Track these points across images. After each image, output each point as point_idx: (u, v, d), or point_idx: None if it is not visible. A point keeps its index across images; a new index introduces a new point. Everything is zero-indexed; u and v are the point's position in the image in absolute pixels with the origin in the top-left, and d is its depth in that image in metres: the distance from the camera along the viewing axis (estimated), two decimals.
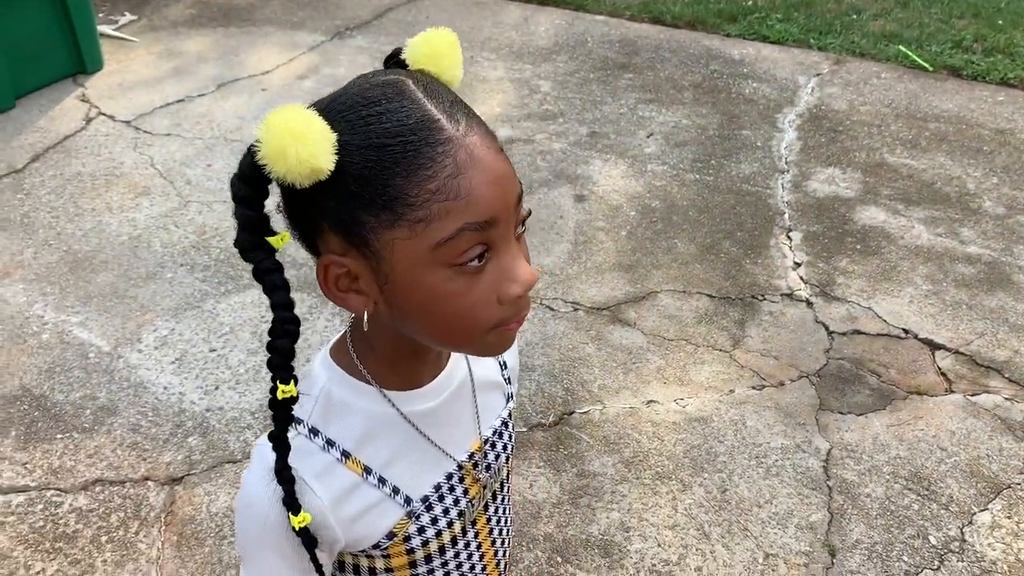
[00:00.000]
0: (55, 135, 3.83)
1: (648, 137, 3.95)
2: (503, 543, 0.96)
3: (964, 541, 2.17)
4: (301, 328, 0.72)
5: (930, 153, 3.84)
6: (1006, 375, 2.67)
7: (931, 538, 2.18)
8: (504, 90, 4.32)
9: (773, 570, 2.09)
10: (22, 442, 2.38)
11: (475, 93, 4.27)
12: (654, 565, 2.09)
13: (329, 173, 0.65)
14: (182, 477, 2.29)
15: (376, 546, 0.82)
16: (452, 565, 0.88)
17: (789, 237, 3.29)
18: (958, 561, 2.12)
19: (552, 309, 2.92)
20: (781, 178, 3.66)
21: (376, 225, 0.66)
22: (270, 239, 0.69)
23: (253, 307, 2.88)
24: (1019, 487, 2.31)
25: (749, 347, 2.76)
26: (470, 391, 0.87)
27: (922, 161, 3.78)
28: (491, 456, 0.89)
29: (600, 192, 3.55)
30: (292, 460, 0.75)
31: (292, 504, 0.74)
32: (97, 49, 4.38)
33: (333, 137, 0.64)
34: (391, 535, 0.82)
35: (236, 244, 0.70)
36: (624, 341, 2.79)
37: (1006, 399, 2.58)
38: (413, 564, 0.85)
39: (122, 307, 2.87)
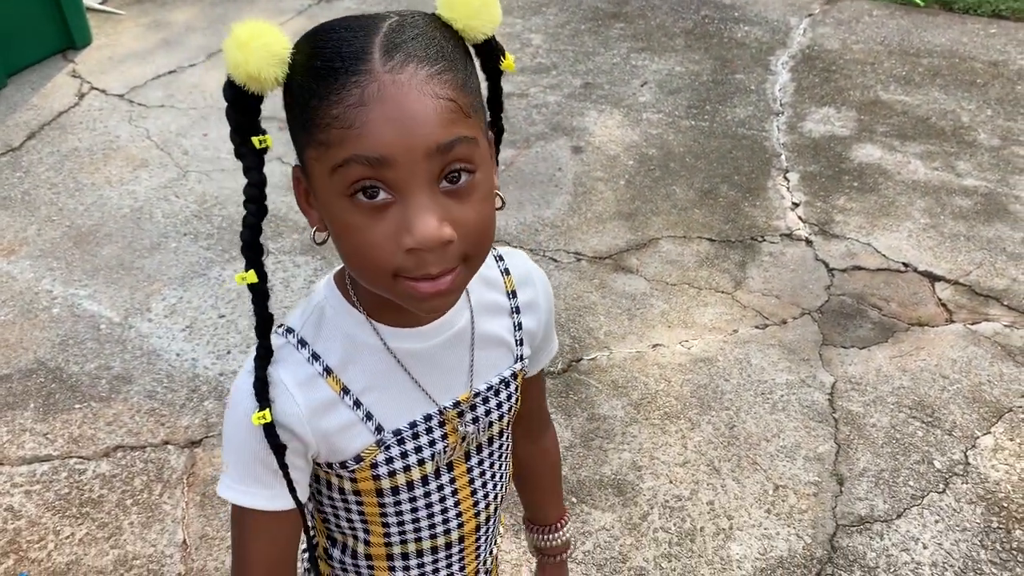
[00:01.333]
0: (49, 112, 3.82)
1: (642, 86, 3.95)
2: (487, 495, 0.97)
3: (968, 464, 2.23)
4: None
5: (924, 88, 3.84)
6: (1005, 303, 2.70)
7: (936, 463, 2.23)
8: None
9: (783, 500, 2.14)
10: (41, 413, 2.42)
11: None
12: (667, 501, 2.14)
13: (276, 84, 0.70)
14: (201, 440, 2.34)
15: (343, 465, 0.85)
16: (421, 503, 0.90)
17: (786, 178, 3.31)
18: (962, 483, 2.18)
19: (555, 260, 2.95)
20: (776, 120, 3.66)
21: (303, 141, 0.71)
22: (253, 139, 0.73)
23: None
24: (1020, 410, 2.36)
25: (751, 288, 2.80)
26: (468, 343, 0.88)
27: (916, 97, 3.78)
28: (480, 410, 0.90)
29: (597, 143, 3.56)
30: (278, 367, 0.80)
31: (261, 399, 0.78)
32: (85, 24, 4.35)
33: (283, 52, 0.69)
34: (358, 458, 0.85)
35: (231, 140, 0.75)
36: (627, 288, 2.82)
37: (1005, 326, 2.62)
38: (380, 492, 0.88)
39: (129, 278, 2.90)
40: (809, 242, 2.98)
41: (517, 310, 0.93)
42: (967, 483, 2.18)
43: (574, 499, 2.16)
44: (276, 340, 0.82)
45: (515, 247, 2.99)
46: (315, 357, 0.82)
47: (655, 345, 2.60)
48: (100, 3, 4.80)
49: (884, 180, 3.27)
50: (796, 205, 3.16)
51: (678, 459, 2.25)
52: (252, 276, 0.76)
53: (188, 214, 3.20)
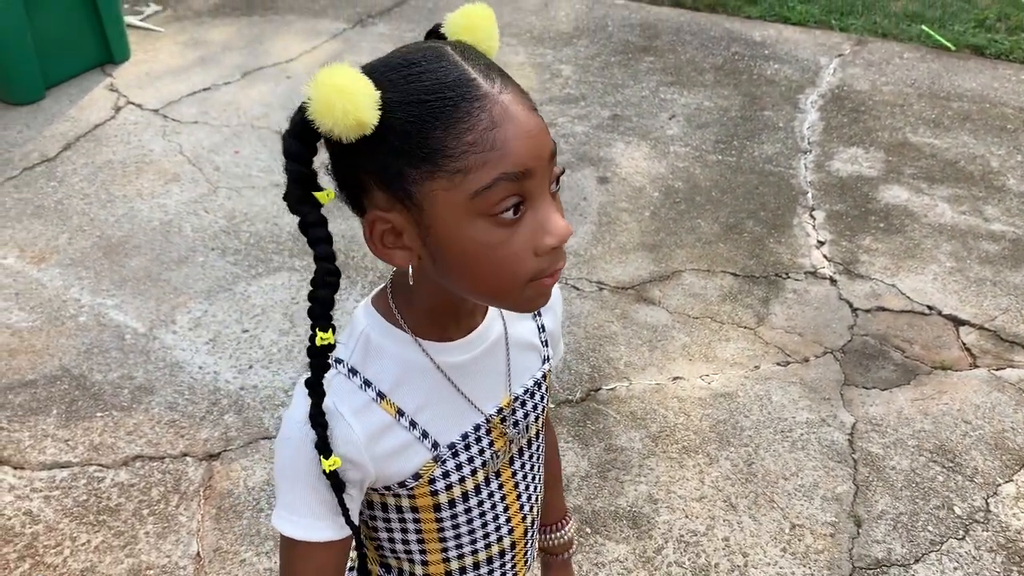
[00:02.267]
0: (85, 124, 3.90)
1: (670, 119, 3.97)
2: (530, 497, 0.99)
3: (989, 511, 2.20)
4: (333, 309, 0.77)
5: (953, 132, 3.83)
6: None
7: (956, 508, 2.21)
8: (526, 75, 4.35)
9: (799, 540, 2.12)
10: (63, 420, 2.45)
11: None
12: (682, 535, 2.13)
13: (373, 127, 0.69)
14: (219, 453, 2.35)
15: (403, 484, 0.87)
16: (476, 512, 0.93)
17: (812, 216, 3.31)
18: (983, 531, 2.15)
19: (577, 289, 2.96)
20: (804, 158, 3.67)
21: (417, 177, 0.70)
22: (317, 194, 0.74)
23: (284, 289, 2.93)
24: None
25: (773, 324, 2.79)
26: (504, 349, 0.91)
27: (945, 140, 3.77)
28: (519, 413, 0.93)
29: (623, 174, 3.58)
30: (332, 397, 0.80)
31: (324, 448, 0.79)
32: (124, 39, 4.44)
33: (377, 93, 0.69)
34: (417, 476, 0.86)
35: (285, 198, 0.75)
36: (649, 319, 2.82)
37: None
38: (438, 507, 0.90)
39: (156, 290, 2.94)
40: (833, 281, 2.97)
41: (539, 312, 0.97)
42: (987, 531, 2.15)
43: (588, 529, 2.15)
44: (327, 373, 0.83)
45: None
46: (367, 384, 0.83)
47: (675, 378, 2.59)
48: (140, 20, 4.91)
49: (911, 222, 3.26)
50: (821, 243, 3.16)
51: (695, 494, 2.24)
52: (331, 336, 0.77)
53: (217, 229, 3.24)
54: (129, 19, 4.78)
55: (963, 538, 2.13)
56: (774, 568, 2.06)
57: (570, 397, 2.53)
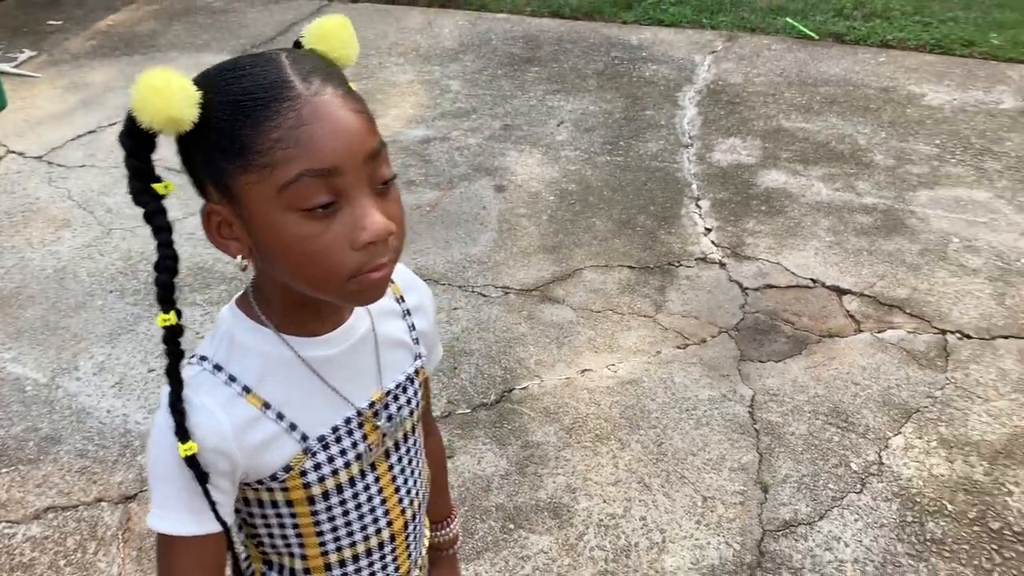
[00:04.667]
0: None
1: (559, 125, 4.09)
2: (409, 491, 1.02)
3: (882, 464, 2.35)
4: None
5: (822, 115, 4.07)
6: (907, 311, 2.87)
7: (852, 465, 2.35)
8: (415, 92, 4.41)
9: (712, 511, 2.23)
10: None
11: (387, 97, 4.35)
12: (601, 520, 2.21)
13: (192, 124, 0.75)
14: (135, 494, 2.32)
15: (274, 477, 0.89)
16: (351, 504, 0.95)
17: (699, 206, 3.47)
18: (878, 482, 2.30)
19: (484, 295, 3.02)
20: (686, 152, 3.84)
21: (233, 171, 0.76)
22: (155, 186, 0.79)
23: (187, 324, 2.90)
24: (927, 410, 2.50)
25: (671, 310, 2.92)
26: (373, 345, 0.95)
27: (815, 123, 4.00)
28: (392, 408, 0.97)
29: (518, 181, 3.67)
30: (199, 393, 0.84)
31: (181, 433, 0.81)
32: (0, 88, 4.32)
33: (196, 94, 0.75)
34: (287, 468, 0.89)
35: (129, 191, 0.80)
36: (555, 317, 2.91)
37: (909, 332, 2.78)
38: (312, 500, 0.92)
39: (55, 339, 2.87)
40: (723, 265, 3.13)
41: (408, 312, 1.01)
42: (882, 482, 2.30)
43: (511, 525, 2.21)
44: (191, 370, 0.86)
45: (444, 285, 3.06)
46: (232, 379, 0.86)
47: (584, 371, 2.69)
48: (14, 67, 4.77)
49: (790, 203, 3.45)
50: (709, 231, 3.31)
51: (610, 478, 2.33)
52: (174, 317, 0.82)
53: (114, 271, 3.19)
54: (2, 67, 4.64)
55: (861, 491, 2.28)
56: (690, 540, 2.16)
57: (484, 400, 2.59)
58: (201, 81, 0.77)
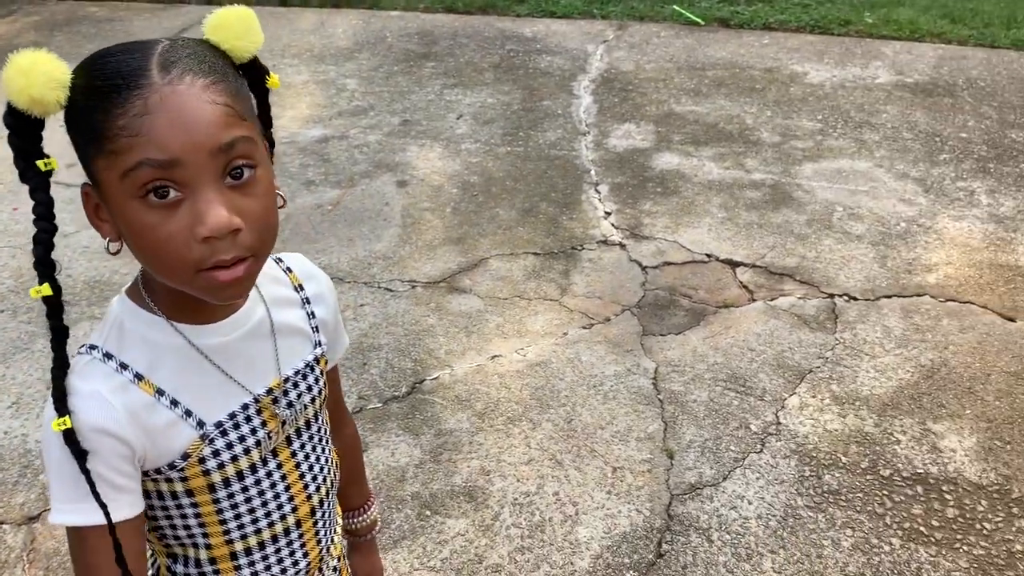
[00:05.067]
0: None
1: (458, 119, 4.12)
2: (315, 477, 1.03)
3: (779, 424, 2.47)
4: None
5: (711, 98, 4.22)
6: (797, 278, 3.01)
7: (752, 426, 2.46)
8: (311, 92, 4.38)
9: (621, 480, 2.30)
10: None
11: (282, 99, 4.31)
12: (516, 498, 2.26)
13: (59, 106, 0.77)
14: (39, 514, 2.26)
15: (172, 466, 0.89)
16: (254, 491, 0.96)
17: (597, 191, 3.55)
18: (776, 441, 2.41)
19: (390, 290, 3.04)
20: (583, 139, 3.92)
21: (91, 154, 0.78)
22: (38, 162, 0.80)
23: (86, 338, 2.82)
24: (819, 370, 2.64)
25: (575, 292, 2.99)
26: (269, 332, 0.95)
27: (705, 106, 4.15)
28: (292, 395, 0.97)
29: (420, 175, 3.69)
30: (89, 380, 0.84)
31: (59, 406, 0.81)
32: None
33: (63, 77, 0.76)
34: (186, 456, 0.89)
35: (16, 168, 0.80)
36: (463, 307, 2.95)
37: (799, 299, 2.92)
38: (212, 487, 0.92)
39: None
40: (623, 246, 3.22)
41: (307, 300, 1.02)
42: (780, 440, 2.42)
43: (428, 512, 2.24)
44: (81, 359, 0.86)
45: (349, 283, 3.06)
46: (123, 367, 0.86)
47: (494, 356, 2.73)
48: None
49: (683, 183, 3.57)
50: (608, 214, 3.40)
51: (523, 458, 2.37)
52: (47, 289, 0.82)
53: (4, 290, 3.07)
54: None
55: (761, 451, 2.39)
56: (602, 511, 2.22)
57: (396, 393, 2.61)
58: (79, 65, 0.78)
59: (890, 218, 3.31)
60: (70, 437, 0.82)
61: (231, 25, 0.84)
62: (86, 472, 0.83)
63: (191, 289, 0.81)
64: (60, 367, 0.83)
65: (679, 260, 3.13)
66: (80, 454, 0.82)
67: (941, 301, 2.88)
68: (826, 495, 2.25)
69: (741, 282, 3.01)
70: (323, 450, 1.05)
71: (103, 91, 0.75)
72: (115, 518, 0.85)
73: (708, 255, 3.15)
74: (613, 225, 3.33)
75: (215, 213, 0.76)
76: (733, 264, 3.10)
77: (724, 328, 2.81)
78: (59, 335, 0.83)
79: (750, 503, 2.23)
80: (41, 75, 0.75)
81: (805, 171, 3.61)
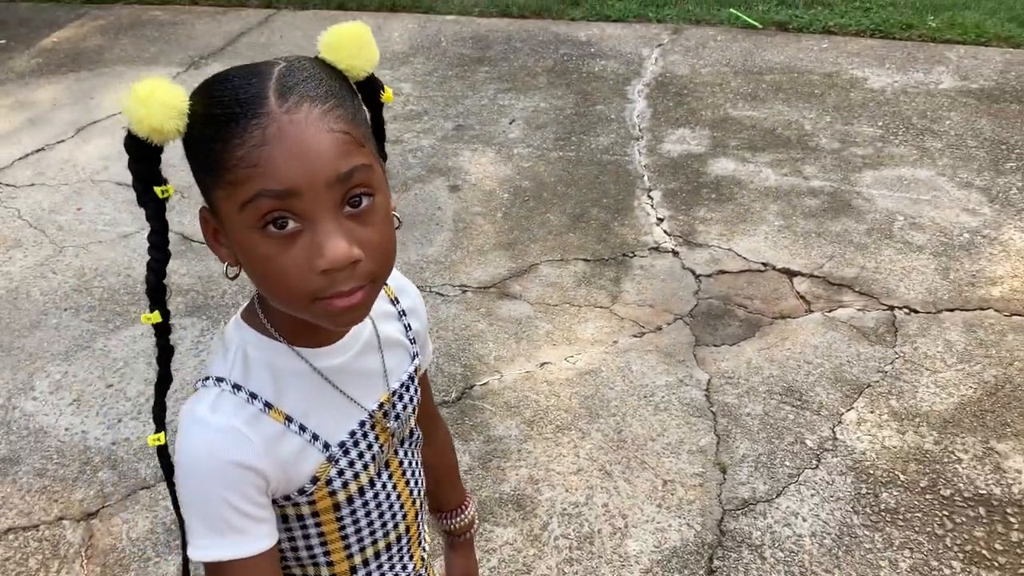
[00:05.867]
0: None
1: (510, 123, 4.12)
2: (416, 483, 1.06)
3: (836, 439, 2.41)
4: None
5: (768, 103, 4.14)
6: (856, 289, 2.94)
7: (808, 441, 2.41)
8: None
9: (672, 494, 2.27)
10: None
11: None
12: (564, 509, 2.24)
13: (177, 134, 0.76)
14: (97, 511, 2.31)
15: (301, 491, 0.90)
16: (372, 504, 0.98)
17: (650, 197, 3.52)
18: (832, 457, 2.36)
19: (441, 295, 3.04)
20: (637, 144, 3.89)
21: (210, 184, 0.78)
22: (156, 188, 0.81)
23: (144, 339, 2.89)
24: (877, 385, 2.57)
25: (626, 300, 2.96)
26: (377, 348, 0.97)
27: (762, 111, 4.08)
28: (399, 407, 0.99)
29: (473, 180, 3.70)
30: (222, 415, 0.84)
31: (157, 420, 0.86)
32: None
33: (181, 105, 0.76)
34: (314, 479, 0.90)
35: (133, 188, 0.82)
36: (513, 313, 2.94)
37: (858, 310, 2.85)
38: (337, 507, 0.94)
39: (9, 359, 2.84)
40: (676, 253, 3.18)
41: (403, 313, 1.03)
42: (837, 456, 2.36)
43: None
44: (209, 392, 0.86)
45: None
46: (252, 396, 0.86)
47: (543, 364, 2.72)
48: None
49: (739, 190, 3.51)
50: (661, 220, 3.36)
51: (572, 468, 2.36)
52: (157, 316, 0.84)
53: (68, 289, 3.16)
54: None
55: (816, 467, 2.33)
56: (652, 524, 2.19)
57: (446, 398, 2.61)
58: (196, 91, 0.78)
59: (953, 228, 3.21)
60: (163, 454, 0.85)
61: (347, 44, 0.82)
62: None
63: (309, 316, 0.81)
64: (163, 383, 0.86)
65: (734, 269, 3.08)
66: (169, 469, 0.86)
67: (1006, 315, 2.79)
68: (883, 514, 2.19)
69: (798, 292, 2.95)
70: (418, 456, 1.09)
71: (221, 120, 0.75)
72: (255, 549, 0.86)
73: (764, 264, 3.09)
74: (666, 232, 3.29)
75: (334, 245, 0.75)
76: (790, 274, 3.04)
77: (780, 340, 2.76)
78: (165, 354, 0.86)
79: (804, 520, 2.18)
80: (159, 104, 0.75)
81: (865, 179, 3.53)
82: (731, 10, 5.06)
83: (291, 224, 0.75)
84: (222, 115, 0.75)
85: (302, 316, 0.82)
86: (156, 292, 0.84)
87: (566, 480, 2.32)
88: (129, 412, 2.61)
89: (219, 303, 3.03)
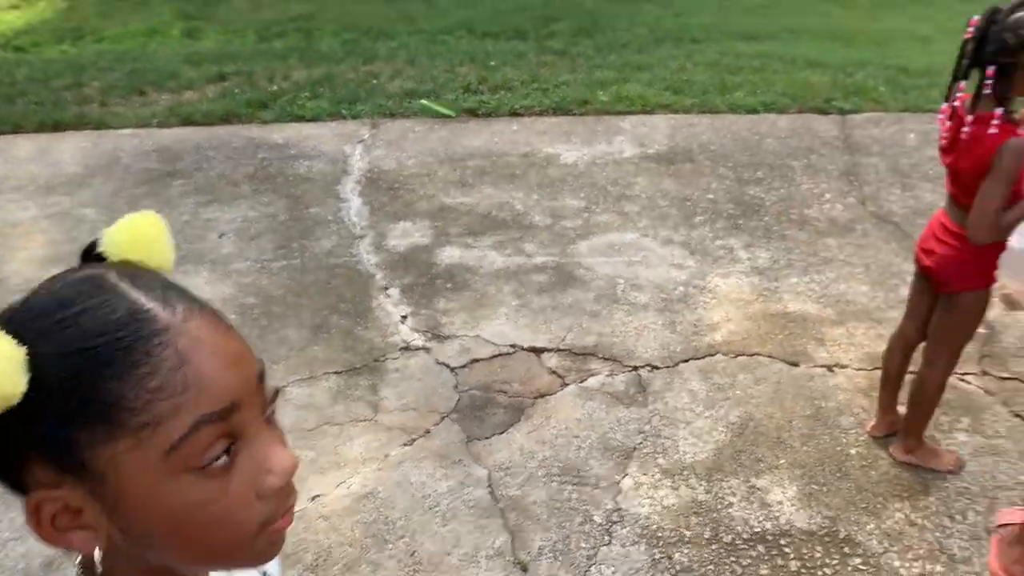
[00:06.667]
0: None
1: (220, 238, 3.85)
2: None
3: (620, 509, 2.45)
4: None
5: (477, 187, 4.28)
6: (600, 355, 3.07)
7: (595, 518, 2.43)
8: (44, 229, 3.91)
9: None
10: None
11: (9, 239, 3.81)
12: None
13: (21, 396, 0.55)
14: None
15: None
16: None
17: (388, 295, 3.44)
18: (622, 528, 2.39)
19: None
20: (361, 243, 3.81)
21: (92, 441, 0.57)
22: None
23: None
24: (642, 446, 2.67)
25: (388, 408, 2.83)
26: None
27: (474, 196, 4.19)
28: None
29: None
30: None
31: None
32: None
33: (21, 353, 0.55)
34: None
35: None
36: None
37: (607, 376, 2.97)
38: None
39: None
40: (427, 349, 3.12)
41: None
42: (625, 527, 2.40)
43: None
44: None
45: None
46: None
47: (314, 497, 2.50)
48: None
49: (471, 276, 3.55)
50: (405, 318, 3.30)
51: None
52: None
53: None
54: None
55: (610, 542, 2.35)
56: None
57: None
58: (14, 330, 0.56)
59: (667, 284, 3.48)
60: None
61: (150, 238, 0.67)
62: None
63: (247, 555, 0.64)
64: None
65: (486, 355, 3.08)
66: None
67: (732, 357, 3.05)
68: (681, 573, 2.25)
69: (549, 368, 3.02)
70: None
71: (103, 352, 0.56)
72: None
73: (512, 345, 3.13)
74: (412, 329, 3.23)
75: (279, 456, 0.62)
76: (537, 351, 3.10)
77: (545, 419, 2.78)
78: None
79: None
80: (3, 361, 0.54)
81: (581, 249, 3.73)
82: (422, 102, 5.20)
83: (231, 448, 0.60)
84: (101, 345, 0.56)
85: (233, 565, 0.66)
86: None
87: None
88: None
89: None
